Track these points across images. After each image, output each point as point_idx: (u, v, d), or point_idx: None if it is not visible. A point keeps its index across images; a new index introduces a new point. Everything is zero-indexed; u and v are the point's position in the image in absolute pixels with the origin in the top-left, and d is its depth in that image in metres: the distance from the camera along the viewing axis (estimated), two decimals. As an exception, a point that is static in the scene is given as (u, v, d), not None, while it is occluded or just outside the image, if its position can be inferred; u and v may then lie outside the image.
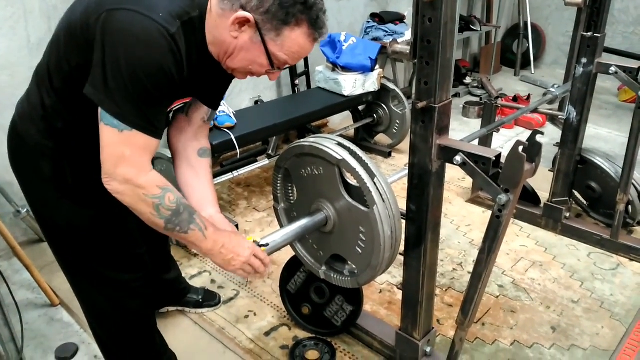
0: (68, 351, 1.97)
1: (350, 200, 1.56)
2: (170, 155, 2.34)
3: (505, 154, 1.31)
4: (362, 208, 1.52)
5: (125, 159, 1.14)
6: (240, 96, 3.47)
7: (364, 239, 1.56)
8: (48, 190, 1.32)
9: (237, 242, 1.34)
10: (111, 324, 1.54)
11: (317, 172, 1.61)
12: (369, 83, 3.25)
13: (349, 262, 1.67)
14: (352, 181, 1.56)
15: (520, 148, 1.27)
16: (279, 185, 1.76)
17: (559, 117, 2.43)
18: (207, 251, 1.29)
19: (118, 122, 1.12)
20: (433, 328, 1.78)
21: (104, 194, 1.23)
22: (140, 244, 1.51)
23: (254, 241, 1.45)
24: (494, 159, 1.34)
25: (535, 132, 1.30)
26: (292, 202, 1.77)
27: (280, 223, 1.81)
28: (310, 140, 1.59)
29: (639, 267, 2.32)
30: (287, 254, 1.93)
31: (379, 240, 1.50)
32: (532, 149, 1.29)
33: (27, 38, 2.44)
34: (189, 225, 1.23)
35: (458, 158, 1.38)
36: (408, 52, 1.39)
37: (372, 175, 1.49)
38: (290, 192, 1.77)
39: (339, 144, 1.55)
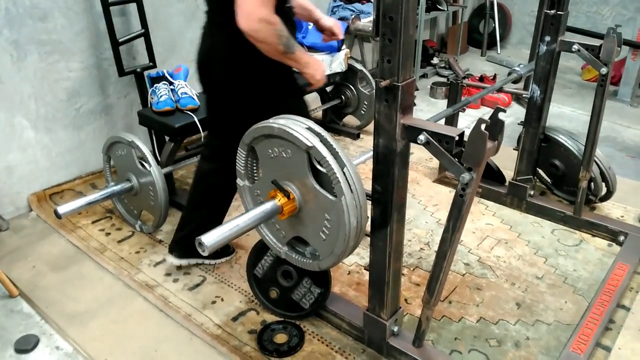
0: (28, 343, 1.91)
1: (317, 187, 1.53)
2: (129, 140, 2.30)
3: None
4: (330, 197, 1.50)
5: (262, 3, 1.49)
6: (204, 78, 3.39)
7: (328, 226, 1.54)
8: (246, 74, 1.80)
9: (317, 60, 1.84)
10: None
11: (285, 155, 1.58)
12: (336, 63, 3.21)
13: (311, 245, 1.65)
14: (320, 165, 1.53)
15: (483, 126, 1.27)
16: (242, 162, 1.72)
17: (524, 96, 2.44)
18: (305, 62, 1.76)
19: None
20: (400, 307, 1.78)
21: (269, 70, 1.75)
22: None
23: (199, 242, 1.45)
24: (457, 137, 1.34)
25: (497, 110, 1.29)
26: (257, 180, 1.74)
27: (244, 201, 1.78)
28: (279, 122, 1.55)
29: (601, 243, 2.37)
30: (254, 238, 1.90)
31: (344, 230, 1.49)
32: (495, 127, 1.29)
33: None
34: (295, 47, 1.70)
35: (422, 137, 1.37)
36: (370, 29, 1.40)
37: (341, 165, 1.46)
38: (255, 170, 1.73)
39: (309, 129, 1.51)
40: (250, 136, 1.65)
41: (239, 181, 1.77)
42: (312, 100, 3.88)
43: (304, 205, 1.60)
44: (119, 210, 2.57)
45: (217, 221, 2.08)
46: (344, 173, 1.46)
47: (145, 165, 2.33)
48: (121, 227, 2.56)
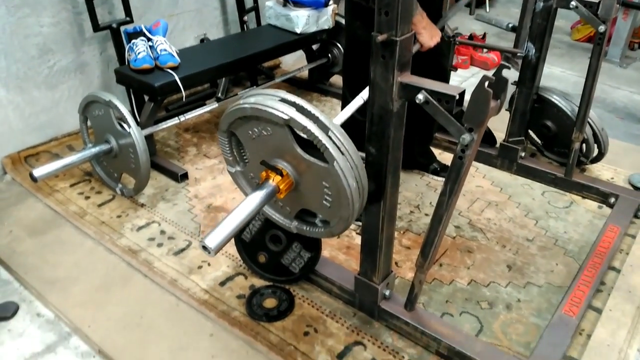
0: (8, 310, 1.85)
1: (307, 157, 1.45)
2: (107, 99, 2.18)
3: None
4: (322, 164, 1.42)
5: None
6: (183, 34, 3.24)
7: (329, 193, 1.47)
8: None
9: (435, 28, 1.95)
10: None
11: (266, 133, 1.49)
12: (323, 20, 3.08)
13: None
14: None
15: (486, 83, 1.20)
16: (227, 148, 1.63)
17: (518, 54, 2.37)
18: (422, 28, 1.87)
19: None
20: (392, 271, 1.75)
21: None
22: None
23: (203, 246, 1.38)
24: (458, 96, 1.26)
25: (501, 67, 1.22)
26: (247, 162, 1.65)
27: (240, 187, 1.70)
28: (250, 102, 1.45)
29: (591, 205, 2.36)
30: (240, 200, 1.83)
31: (345, 194, 1.42)
32: (499, 85, 1.22)
33: None
34: (416, 9, 1.79)
35: (420, 96, 1.29)
36: (364, -20, 1.40)
37: (325, 130, 1.38)
38: (243, 153, 1.65)
39: (283, 100, 1.42)
40: (225, 122, 1.55)
41: (229, 168, 1.69)
42: (298, 59, 3.77)
43: (300, 178, 1.52)
44: (98, 173, 2.47)
45: None
46: (329, 137, 1.38)
47: (125, 126, 2.22)
48: (101, 190, 2.47)
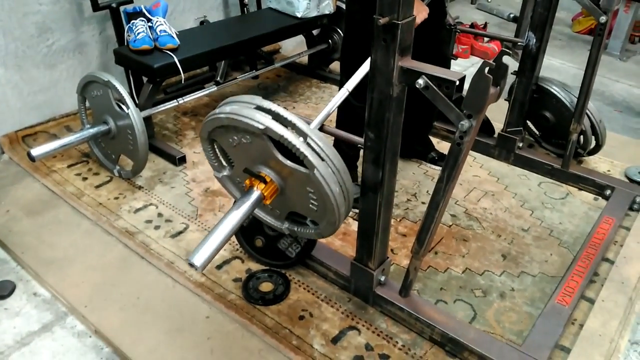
0: (4, 289, 1.85)
1: (289, 163, 1.45)
2: (105, 79, 2.17)
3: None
4: (304, 170, 1.43)
5: None
6: (183, 15, 3.21)
7: (314, 197, 1.49)
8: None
9: (422, 5, 1.90)
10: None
11: (245, 141, 1.49)
12: (324, 4, 3.06)
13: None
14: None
15: (486, 69, 1.20)
16: (211, 154, 1.64)
17: (518, 43, 2.37)
18: None
19: None
20: (387, 258, 1.76)
21: None
22: None
23: (190, 263, 1.39)
24: (458, 82, 1.26)
25: (502, 53, 1.22)
26: (234, 166, 1.66)
27: (229, 191, 1.71)
28: (226, 111, 1.45)
29: (587, 196, 2.37)
30: (238, 185, 1.84)
31: (329, 200, 1.43)
32: (499, 71, 1.22)
33: None
34: None
35: (420, 81, 1.29)
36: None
37: (303, 136, 1.37)
38: (229, 157, 1.65)
39: (258, 108, 1.42)
40: (205, 130, 1.55)
41: (215, 174, 1.69)
42: (298, 44, 3.75)
43: (285, 184, 1.53)
44: (96, 154, 2.47)
45: None
46: (307, 144, 1.38)
47: (123, 107, 2.21)
48: (98, 171, 2.47)
